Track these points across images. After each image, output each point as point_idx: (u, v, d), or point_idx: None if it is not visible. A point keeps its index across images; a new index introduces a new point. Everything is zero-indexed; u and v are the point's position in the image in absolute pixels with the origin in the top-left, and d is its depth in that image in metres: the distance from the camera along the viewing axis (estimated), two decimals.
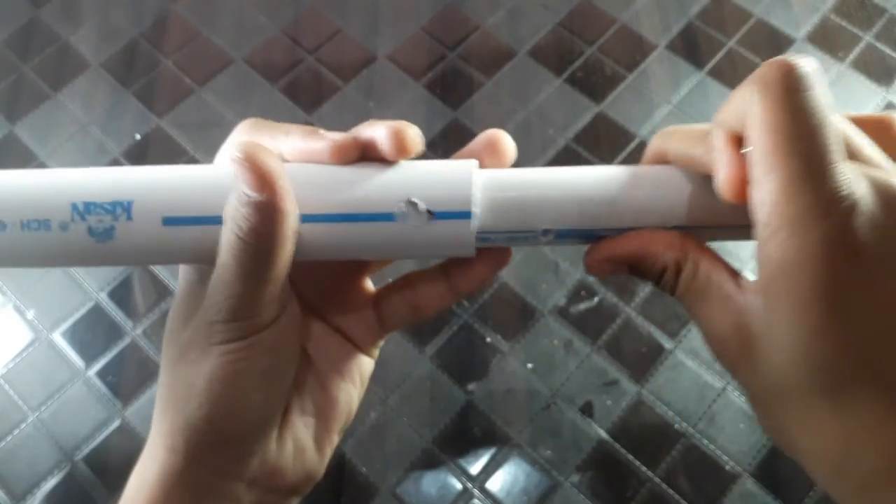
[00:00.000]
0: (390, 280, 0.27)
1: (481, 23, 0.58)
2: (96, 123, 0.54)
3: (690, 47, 0.56)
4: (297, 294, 0.25)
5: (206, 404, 0.22)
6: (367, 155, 0.22)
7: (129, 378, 0.46)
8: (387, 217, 0.21)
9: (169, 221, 0.21)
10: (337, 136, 0.22)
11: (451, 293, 0.26)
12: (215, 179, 0.22)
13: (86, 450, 0.44)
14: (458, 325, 0.47)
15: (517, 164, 0.54)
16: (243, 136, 0.23)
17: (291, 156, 0.22)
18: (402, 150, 0.22)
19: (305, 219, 0.21)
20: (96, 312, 0.48)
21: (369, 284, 0.27)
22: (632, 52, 0.56)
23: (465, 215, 0.22)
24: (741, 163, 0.19)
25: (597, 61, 0.56)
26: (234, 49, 0.57)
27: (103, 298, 0.48)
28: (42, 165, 0.53)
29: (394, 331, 0.28)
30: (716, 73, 0.55)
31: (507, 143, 0.24)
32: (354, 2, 0.59)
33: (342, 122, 0.54)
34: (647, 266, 0.22)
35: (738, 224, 0.21)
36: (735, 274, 0.21)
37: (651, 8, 0.58)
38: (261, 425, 0.23)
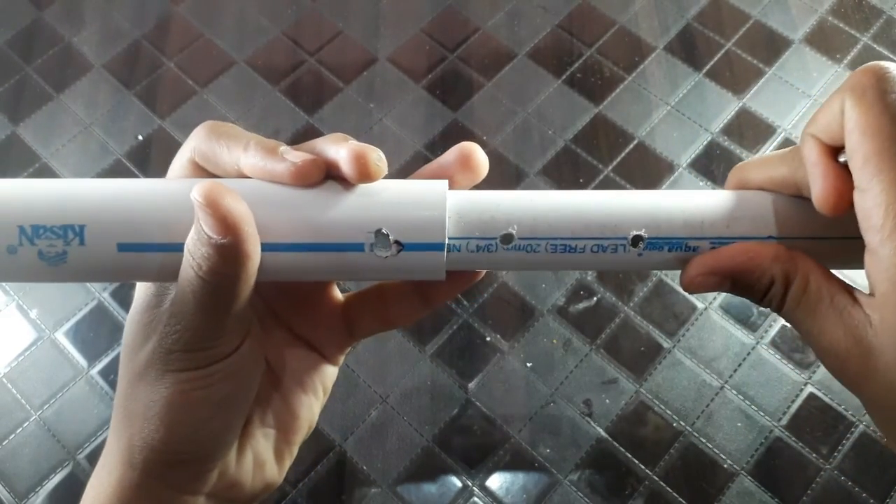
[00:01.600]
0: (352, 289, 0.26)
1: (481, 25, 0.58)
2: (99, 124, 0.55)
3: (688, 49, 0.57)
4: (262, 302, 0.25)
5: (162, 428, 0.21)
6: (330, 174, 0.21)
7: None
8: (355, 248, 0.20)
9: (124, 248, 0.20)
10: (298, 159, 0.20)
11: (424, 306, 0.25)
12: (174, 201, 0.20)
13: (88, 448, 0.45)
14: (458, 324, 0.47)
15: (517, 164, 0.55)
16: (200, 143, 0.21)
17: (251, 172, 0.21)
18: (364, 176, 0.20)
19: (268, 248, 0.20)
20: (99, 312, 0.48)
21: (337, 293, 0.26)
22: (630, 54, 0.57)
23: (438, 247, 0.21)
24: (839, 172, 0.19)
25: (595, 63, 0.56)
26: (236, 51, 0.57)
27: (106, 298, 0.49)
28: (45, 166, 0.53)
29: (361, 339, 0.27)
30: (713, 75, 0.56)
31: (480, 158, 0.22)
32: (355, 4, 0.59)
33: (343, 124, 0.54)
34: (752, 279, 0.21)
35: (833, 236, 0.21)
36: (847, 286, 0.20)
37: (649, 10, 0.58)
38: (219, 447, 0.23)
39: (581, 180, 0.52)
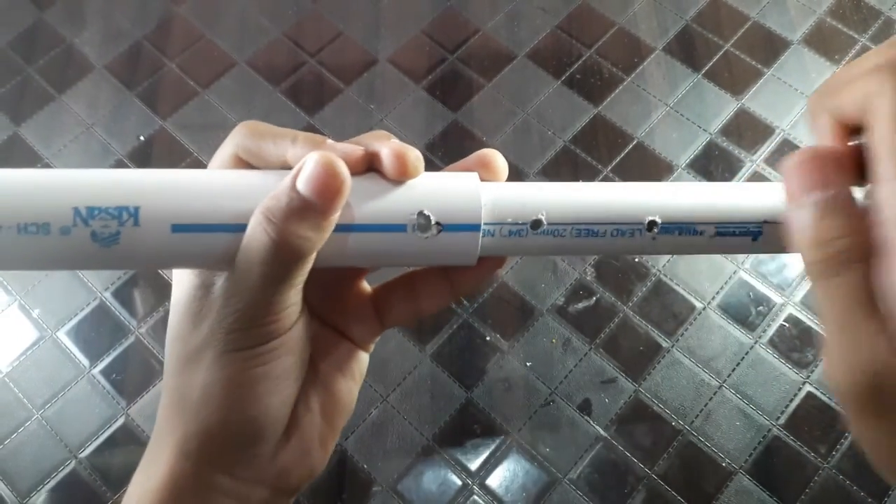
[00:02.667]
0: (380, 280, 0.27)
1: (481, 26, 0.58)
2: (100, 125, 0.55)
3: (687, 50, 0.57)
4: None
5: (223, 409, 0.22)
6: (370, 167, 0.22)
7: (132, 376, 0.47)
8: (399, 228, 0.22)
9: (178, 229, 0.21)
10: (347, 150, 0.22)
11: (452, 293, 0.26)
12: (228, 186, 0.21)
13: (90, 447, 0.45)
14: (458, 323, 0.48)
15: (517, 164, 0.55)
16: (245, 139, 0.22)
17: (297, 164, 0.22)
18: (402, 173, 0.22)
19: None
20: (101, 311, 0.48)
21: (365, 284, 0.27)
22: (629, 55, 0.57)
23: (475, 227, 0.22)
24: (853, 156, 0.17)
25: (595, 64, 0.57)
26: (237, 52, 0.57)
27: (108, 297, 0.49)
28: (47, 166, 0.53)
29: (392, 327, 0.29)
30: (712, 76, 0.56)
31: (501, 162, 0.24)
32: (356, 5, 0.60)
33: (343, 124, 0.55)
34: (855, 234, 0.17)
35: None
36: None
37: (648, 11, 0.59)
38: (274, 427, 0.23)
39: (580, 181, 0.52)
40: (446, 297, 0.26)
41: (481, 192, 0.23)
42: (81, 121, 0.55)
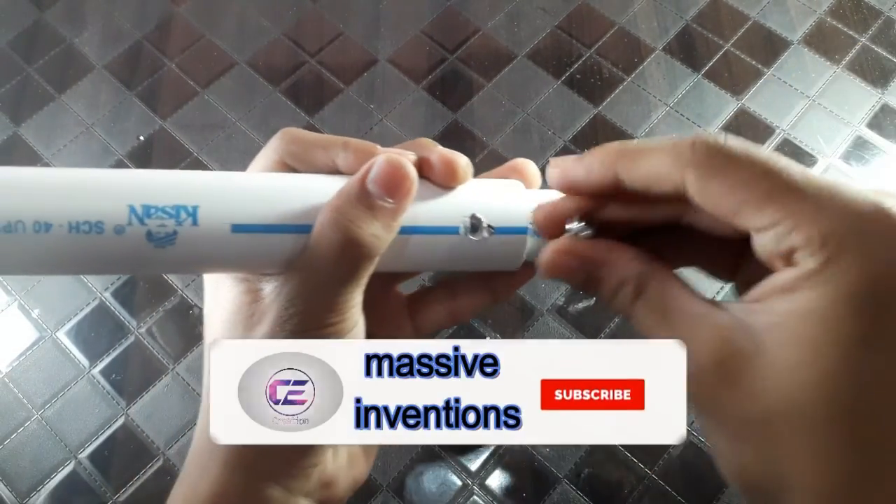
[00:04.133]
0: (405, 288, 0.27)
1: (481, 26, 0.58)
2: (100, 125, 0.55)
3: (687, 50, 0.57)
4: None
5: None
6: (420, 172, 0.23)
7: (132, 376, 0.47)
8: (451, 230, 0.23)
9: (238, 229, 0.20)
10: (402, 155, 0.22)
11: (491, 299, 0.26)
12: (288, 187, 0.21)
13: (90, 448, 0.45)
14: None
15: None
16: (290, 145, 0.22)
17: (350, 169, 0.22)
18: (453, 178, 0.23)
19: None
20: (100, 311, 0.48)
21: (400, 291, 0.28)
22: (629, 55, 0.57)
23: (522, 230, 0.23)
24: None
25: (595, 64, 0.57)
26: (237, 52, 0.57)
27: (107, 297, 0.49)
28: (47, 167, 0.53)
29: (426, 333, 0.28)
30: (712, 76, 0.56)
31: (534, 170, 0.25)
32: (356, 5, 0.60)
33: (343, 124, 0.55)
34: (607, 274, 0.20)
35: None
36: (698, 294, 0.19)
37: (648, 11, 0.59)
38: None
39: None
40: (484, 303, 0.27)
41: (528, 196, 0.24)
42: (81, 121, 0.55)
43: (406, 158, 0.21)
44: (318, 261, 0.20)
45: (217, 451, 0.22)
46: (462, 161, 0.22)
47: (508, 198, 0.23)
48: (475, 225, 0.23)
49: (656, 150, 0.19)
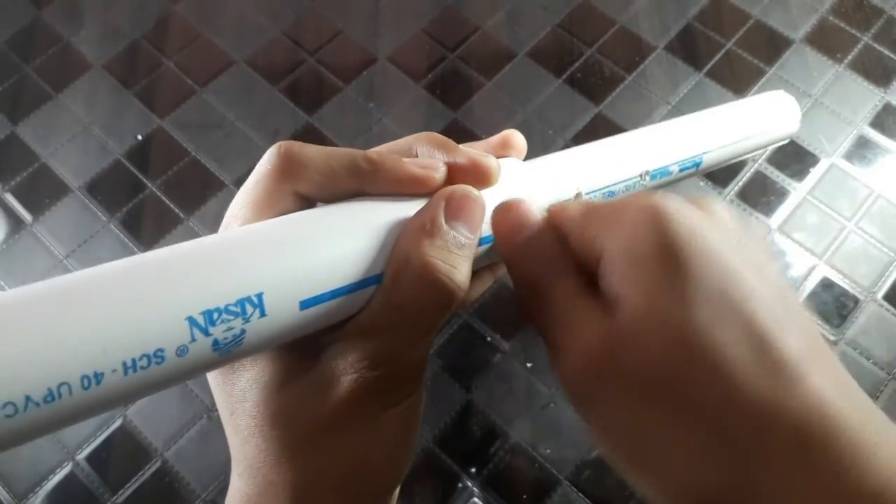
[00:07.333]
0: None
1: (481, 24, 0.58)
2: (98, 124, 0.55)
3: (689, 48, 0.57)
4: None
5: (385, 470, 0.20)
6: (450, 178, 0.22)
7: None
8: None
9: (307, 304, 0.17)
10: (428, 167, 0.21)
11: (491, 277, 0.28)
12: (349, 241, 0.19)
13: (88, 449, 0.45)
14: (458, 324, 0.47)
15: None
16: (318, 176, 0.20)
17: (377, 189, 0.21)
18: (487, 183, 0.22)
19: None
20: None
21: None
22: (631, 54, 0.57)
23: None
24: None
25: (596, 62, 0.56)
26: (236, 50, 0.57)
27: None
28: (44, 166, 0.53)
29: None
30: (714, 74, 0.56)
31: (521, 141, 0.26)
32: (355, 3, 0.59)
33: (343, 123, 0.54)
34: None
35: None
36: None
37: (650, 9, 0.58)
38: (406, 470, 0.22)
39: None
40: (486, 283, 0.28)
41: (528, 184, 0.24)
42: (79, 120, 0.55)
43: (474, 190, 0.20)
44: (400, 315, 0.18)
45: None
46: (493, 164, 0.22)
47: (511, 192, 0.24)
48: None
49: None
